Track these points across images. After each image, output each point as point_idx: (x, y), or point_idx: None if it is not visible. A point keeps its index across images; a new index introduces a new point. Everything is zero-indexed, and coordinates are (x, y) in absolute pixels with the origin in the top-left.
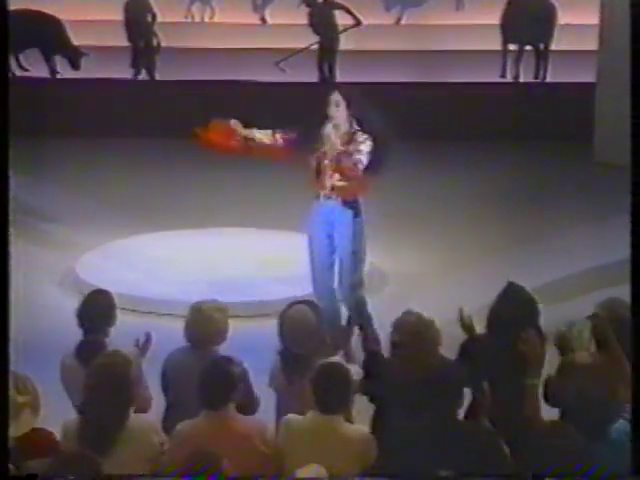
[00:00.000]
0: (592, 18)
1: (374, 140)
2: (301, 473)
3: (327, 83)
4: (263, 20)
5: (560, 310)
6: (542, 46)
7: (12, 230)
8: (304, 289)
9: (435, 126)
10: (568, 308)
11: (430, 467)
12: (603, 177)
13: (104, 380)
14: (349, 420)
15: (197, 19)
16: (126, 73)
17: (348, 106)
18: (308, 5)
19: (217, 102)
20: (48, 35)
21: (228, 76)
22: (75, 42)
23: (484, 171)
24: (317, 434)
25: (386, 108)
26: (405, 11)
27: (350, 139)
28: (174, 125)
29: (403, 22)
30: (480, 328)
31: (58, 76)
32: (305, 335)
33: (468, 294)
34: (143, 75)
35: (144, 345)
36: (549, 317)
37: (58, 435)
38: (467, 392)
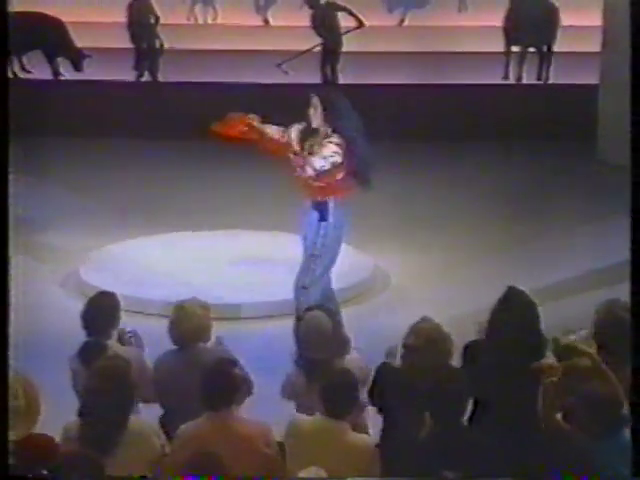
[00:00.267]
0: (595, 19)
1: (349, 145)
2: (301, 474)
3: (330, 84)
4: (266, 22)
5: (561, 310)
6: (545, 48)
7: (12, 230)
8: None
9: (437, 127)
10: (569, 308)
11: (435, 471)
12: (606, 178)
13: (104, 383)
14: (361, 427)
15: (200, 21)
16: (129, 75)
17: (324, 110)
18: (311, 7)
19: (219, 103)
20: (51, 37)
21: (230, 78)
22: (78, 44)
23: (487, 172)
24: (321, 438)
25: (388, 109)
26: (408, 13)
27: (319, 142)
28: (177, 127)
29: (406, 24)
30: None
31: (61, 78)
32: (321, 341)
33: (470, 294)
34: (146, 77)
35: (133, 339)
36: (550, 317)
37: (58, 438)
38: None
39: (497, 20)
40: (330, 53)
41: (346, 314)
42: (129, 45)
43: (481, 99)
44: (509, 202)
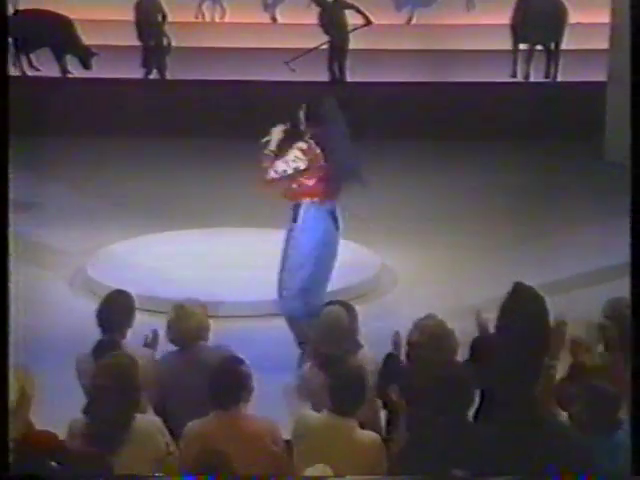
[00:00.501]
0: (603, 17)
1: (324, 151)
2: (307, 472)
3: (337, 83)
4: (273, 19)
5: (565, 308)
6: (553, 45)
7: (12, 231)
8: None
9: (444, 125)
10: (573, 306)
11: (444, 468)
12: (613, 176)
13: (110, 380)
14: (371, 422)
15: (207, 19)
16: (137, 73)
17: (307, 119)
18: (318, 4)
19: (227, 101)
20: (59, 35)
21: (238, 76)
22: (86, 42)
23: (494, 170)
24: (328, 434)
25: (396, 107)
26: (415, 11)
27: (290, 146)
28: (185, 124)
29: (413, 22)
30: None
31: (69, 76)
32: (338, 335)
33: (475, 292)
34: (154, 75)
35: (153, 341)
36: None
37: (62, 435)
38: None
39: (505, 18)
40: (338, 51)
41: None
42: (137, 43)
43: (489, 97)
44: (516, 200)
